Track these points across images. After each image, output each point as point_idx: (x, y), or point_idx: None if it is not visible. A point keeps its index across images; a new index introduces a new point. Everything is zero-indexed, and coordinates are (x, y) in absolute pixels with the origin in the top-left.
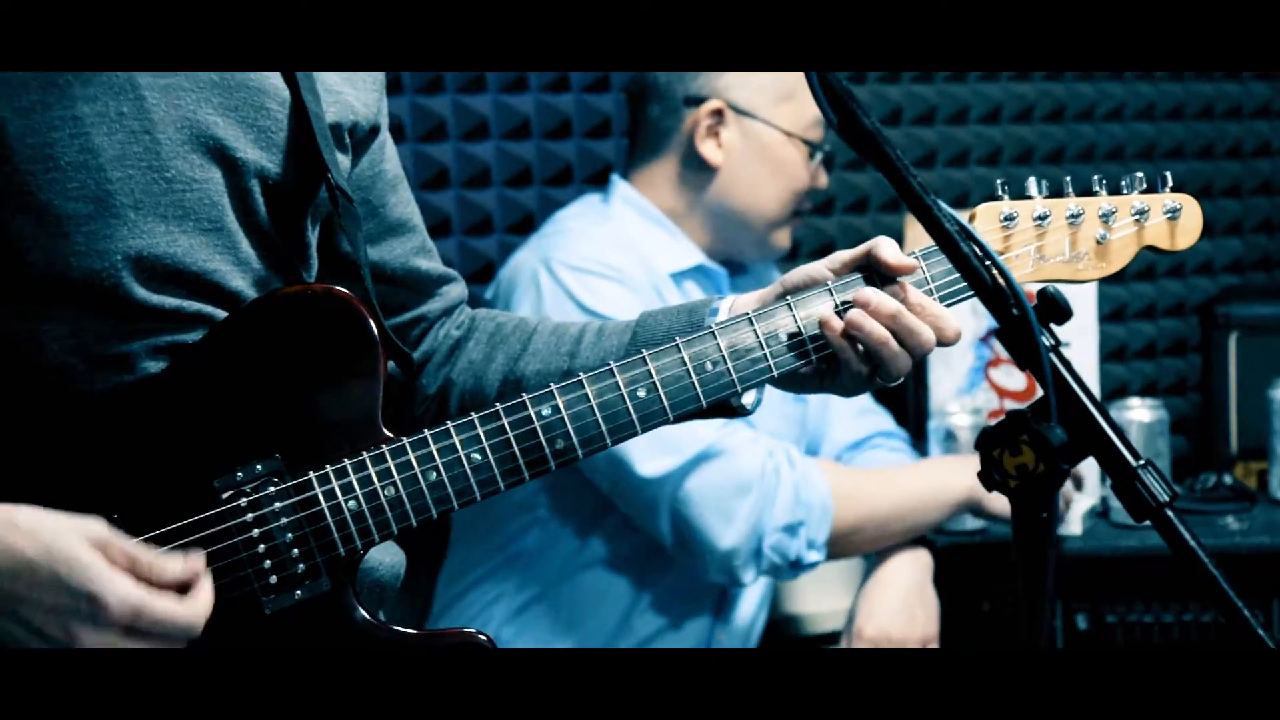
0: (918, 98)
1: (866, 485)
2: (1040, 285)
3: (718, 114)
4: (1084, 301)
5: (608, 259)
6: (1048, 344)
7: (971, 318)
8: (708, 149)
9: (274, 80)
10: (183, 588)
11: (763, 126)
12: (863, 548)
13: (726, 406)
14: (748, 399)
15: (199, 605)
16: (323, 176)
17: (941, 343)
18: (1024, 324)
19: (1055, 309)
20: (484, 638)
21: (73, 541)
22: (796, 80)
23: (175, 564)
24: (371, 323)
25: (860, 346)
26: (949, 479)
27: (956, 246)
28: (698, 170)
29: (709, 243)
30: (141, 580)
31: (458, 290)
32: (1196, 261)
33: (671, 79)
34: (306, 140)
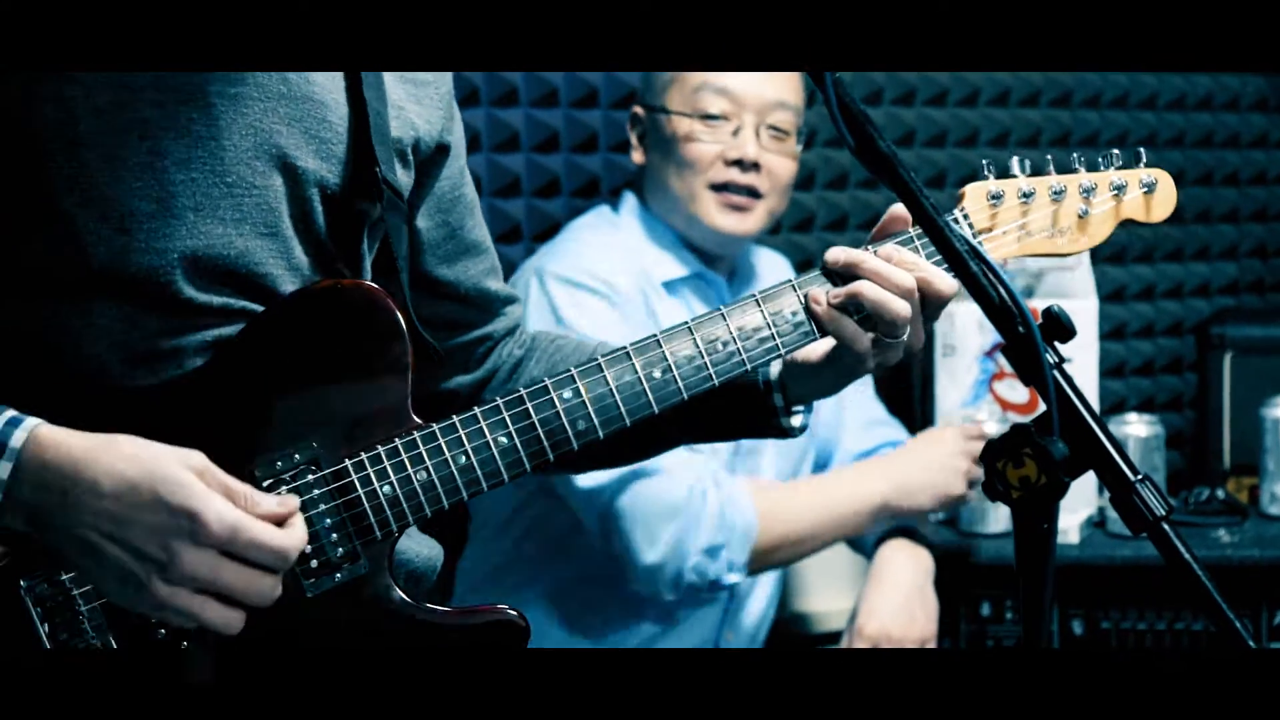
0: (930, 120)
1: (788, 503)
2: (1029, 258)
3: (637, 119)
4: (1085, 319)
5: (600, 273)
6: (1052, 361)
7: (977, 333)
8: (634, 154)
9: (337, 95)
10: (278, 523)
11: (658, 115)
12: (783, 563)
13: (776, 428)
14: (796, 421)
15: (294, 535)
16: (377, 182)
17: (933, 297)
18: (1030, 342)
19: (1060, 328)
20: (514, 613)
21: (173, 464)
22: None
23: (270, 498)
24: (399, 313)
25: (852, 318)
26: (864, 488)
27: (966, 265)
28: (639, 174)
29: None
30: (239, 507)
31: (519, 310)
32: (1194, 283)
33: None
34: (366, 154)
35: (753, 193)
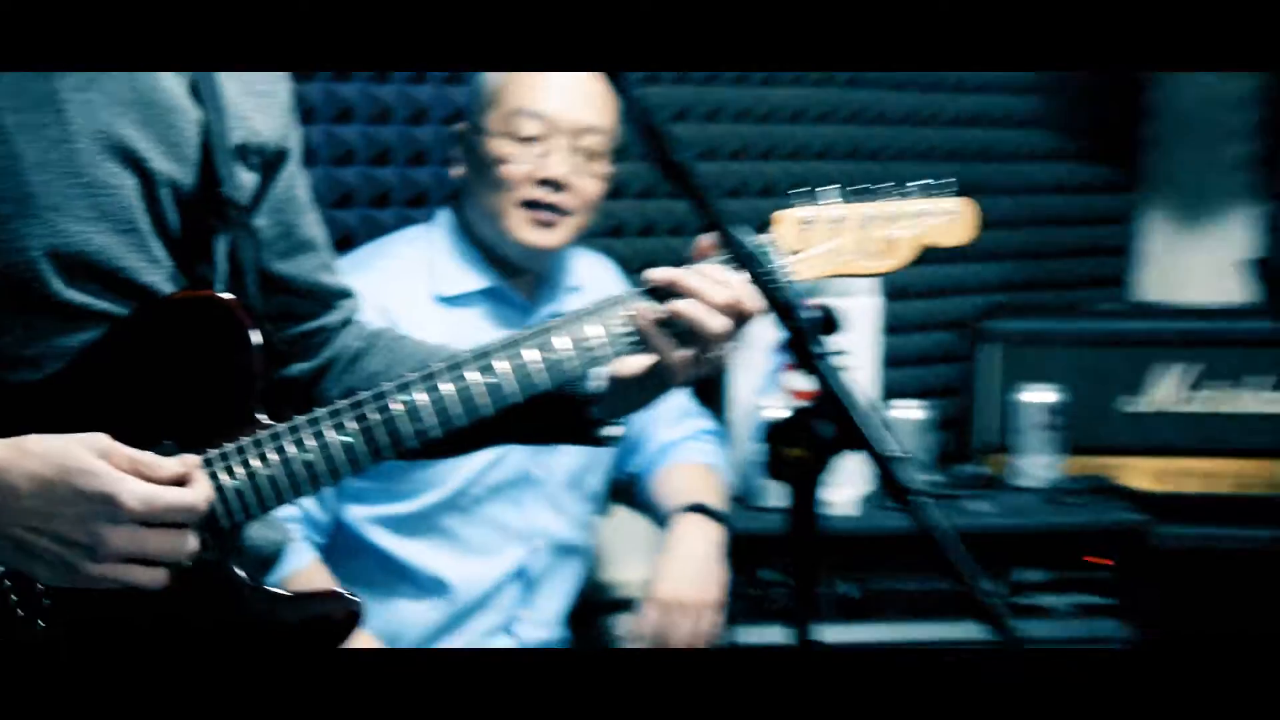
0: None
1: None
2: (834, 278)
3: (461, 136)
4: (869, 315)
5: None
6: (822, 352)
7: (770, 327)
8: (455, 169)
9: (185, 101)
10: (181, 482)
11: (477, 135)
12: None
13: (591, 437)
14: (614, 431)
15: (200, 490)
16: (221, 189)
17: (744, 314)
18: (802, 334)
19: (829, 322)
20: (354, 598)
21: (82, 453)
22: (503, 80)
23: (170, 462)
24: (247, 322)
25: (670, 333)
26: None
27: (754, 265)
28: (461, 188)
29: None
30: (146, 478)
31: (354, 303)
32: (969, 282)
33: None
34: (213, 169)
35: (560, 210)
